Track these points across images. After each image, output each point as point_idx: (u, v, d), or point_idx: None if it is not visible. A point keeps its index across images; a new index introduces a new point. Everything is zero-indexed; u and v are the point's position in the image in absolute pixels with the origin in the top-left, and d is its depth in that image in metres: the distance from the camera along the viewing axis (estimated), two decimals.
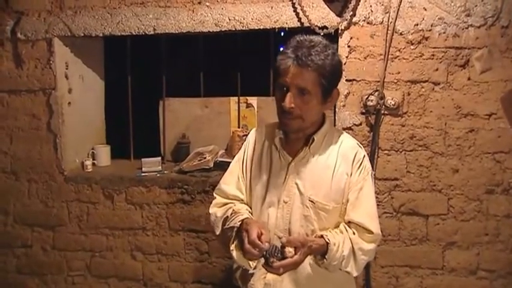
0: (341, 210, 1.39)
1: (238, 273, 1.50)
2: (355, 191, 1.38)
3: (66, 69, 2.43)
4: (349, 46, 2.10)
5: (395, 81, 2.09)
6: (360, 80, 2.12)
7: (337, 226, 1.39)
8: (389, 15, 2.05)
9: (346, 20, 2.07)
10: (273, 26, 2.15)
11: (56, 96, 2.37)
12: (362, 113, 2.14)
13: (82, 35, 2.30)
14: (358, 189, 1.38)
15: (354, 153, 1.41)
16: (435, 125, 2.09)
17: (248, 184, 1.49)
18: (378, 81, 2.09)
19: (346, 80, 2.11)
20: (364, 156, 1.43)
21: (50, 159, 2.42)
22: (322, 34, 2.00)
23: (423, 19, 2.03)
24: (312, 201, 1.37)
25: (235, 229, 1.36)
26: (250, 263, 1.36)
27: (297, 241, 1.25)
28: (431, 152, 2.11)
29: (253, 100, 2.62)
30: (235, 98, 2.63)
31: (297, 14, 2.11)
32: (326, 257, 1.28)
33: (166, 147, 2.69)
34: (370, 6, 2.07)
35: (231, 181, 1.51)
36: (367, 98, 2.10)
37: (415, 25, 2.04)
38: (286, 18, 2.13)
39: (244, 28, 2.17)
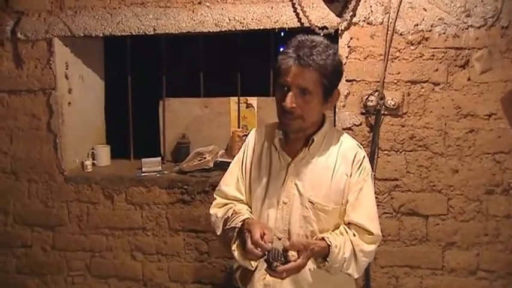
0: (340, 211, 1.39)
1: (238, 274, 1.50)
2: (355, 192, 1.38)
3: (66, 69, 2.43)
4: (349, 46, 2.10)
5: (395, 81, 2.09)
6: (360, 81, 2.12)
7: (336, 227, 1.39)
8: (389, 16, 2.05)
9: (346, 20, 2.07)
10: (273, 26, 2.15)
11: (56, 96, 2.37)
12: (362, 114, 2.14)
13: (82, 35, 2.30)
14: (358, 190, 1.38)
15: (354, 154, 1.40)
16: (435, 126, 2.09)
17: (248, 185, 1.49)
18: (378, 82, 2.09)
19: (346, 80, 2.11)
20: (364, 157, 1.43)
21: (50, 159, 2.42)
22: (322, 34, 2.00)
23: (423, 19, 2.03)
24: (311, 202, 1.37)
25: (237, 229, 1.36)
26: (252, 262, 1.36)
27: (300, 244, 1.24)
28: (431, 153, 2.11)
29: (253, 100, 2.62)
30: (235, 98, 2.63)
31: (297, 14, 2.11)
32: (327, 259, 1.28)
33: (166, 148, 2.69)
34: (370, 6, 2.07)
35: (231, 182, 1.51)
36: (367, 98, 2.10)
37: (415, 25, 2.04)
38: (286, 19, 2.13)
39: (244, 28, 2.17)
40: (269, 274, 1.25)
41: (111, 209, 2.41)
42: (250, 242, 1.25)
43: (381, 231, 1.41)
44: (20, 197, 2.48)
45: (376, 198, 1.86)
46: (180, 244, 2.37)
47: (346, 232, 1.35)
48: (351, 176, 1.39)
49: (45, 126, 2.41)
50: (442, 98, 2.07)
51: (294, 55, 1.28)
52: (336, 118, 2.19)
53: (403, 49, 2.07)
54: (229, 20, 2.17)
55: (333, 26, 2.08)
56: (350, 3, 2.06)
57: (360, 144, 1.46)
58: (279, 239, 1.38)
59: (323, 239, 1.30)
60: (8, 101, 2.43)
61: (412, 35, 2.05)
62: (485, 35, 2.00)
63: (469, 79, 2.04)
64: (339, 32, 2.10)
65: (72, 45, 2.45)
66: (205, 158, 2.40)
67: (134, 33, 2.26)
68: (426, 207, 2.14)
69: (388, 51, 2.06)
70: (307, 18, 2.10)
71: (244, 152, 1.53)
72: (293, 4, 2.11)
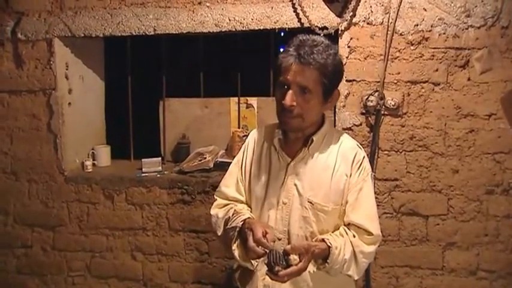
0: (340, 212, 1.39)
1: (237, 274, 1.50)
2: (355, 192, 1.37)
3: (67, 69, 2.43)
4: (349, 46, 2.10)
5: (395, 81, 2.09)
6: (360, 81, 2.12)
7: (336, 228, 1.38)
8: (389, 16, 2.05)
9: (346, 20, 2.07)
10: (273, 27, 2.15)
11: (56, 97, 2.37)
12: (362, 114, 2.14)
13: (82, 35, 2.31)
14: (358, 190, 1.38)
15: (354, 154, 1.40)
16: (435, 126, 2.09)
17: (247, 186, 1.49)
18: (378, 82, 2.09)
19: (346, 81, 2.11)
20: (364, 157, 1.42)
21: (50, 160, 2.42)
22: (322, 35, 2.00)
23: (423, 20, 2.03)
24: (310, 203, 1.37)
25: (237, 229, 1.36)
26: (253, 262, 1.36)
27: (301, 248, 1.24)
28: (431, 153, 2.11)
29: (253, 100, 2.62)
30: (235, 99, 2.63)
31: (297, 15, 2.11)
32: (328, 261, 1.28)
33: (166, 148, 2.69)
34: (370, 6, 2.07)
35: (231, 183, 1.51)
36: (367, 98, 2.10)
37: (415, 26, 2.04)
38: (286, 19, 2.13)
39: (244, 28, 2.17)
40: (270, 278, 1.24)
41: (111, 209, 2.41)
42: (252, 240, 1.25)
43: (381, 232, 1.41)
44: (20, 197, 2.48)
45: (376, 198, 1.86)
46: (180, 244, 2.37)
47: (346, 233, 1.35)
48: (350, 176, 1.38)
49: (45, 126, 2.41)
50: (442, 98, 2.07)
51: (295, 53, 1.28)
52: (336, 118, 2.19)
53: (403, 49, 2.07)
54: (229, 20, 2.17)
55: (333, 26, 2.08)
56: (350, 4, 2.06)
57: (359, 145, 1.46)
58: (279, 240, 1.38)
59: (323, 240, 1.30)
60: (8, 101, 2.43)
61: (412, 35, 2.05)
62: (485, 35, 2.00)
63: (469, 79, 2.04)
64: (339, 32, 2.10)
65: (72, 46, 2.45)
66: (205, 158, 2.40)
67: (134, 34, 2.26)
68: (426, 207, 2.14)
69: (388, 51, 2.06)
70: (307, 19, 2.10)
71: (243, 153, 1.52)
72: (293, 4, 2.11)
